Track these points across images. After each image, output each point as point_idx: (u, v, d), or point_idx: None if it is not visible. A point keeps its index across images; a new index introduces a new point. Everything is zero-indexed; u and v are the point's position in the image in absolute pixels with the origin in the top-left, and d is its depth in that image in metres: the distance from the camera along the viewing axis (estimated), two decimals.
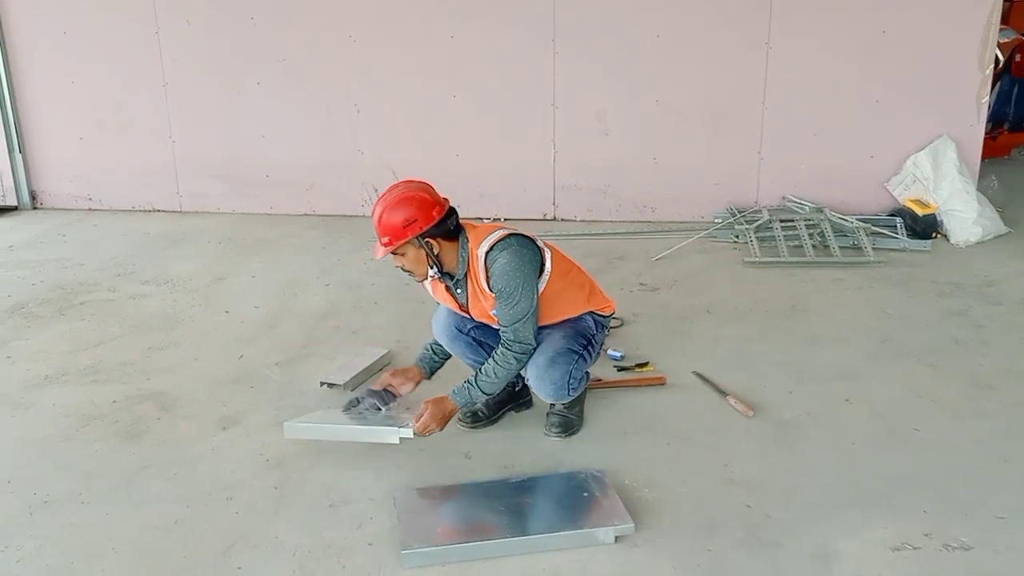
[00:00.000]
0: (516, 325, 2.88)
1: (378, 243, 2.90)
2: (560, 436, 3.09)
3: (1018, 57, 7.61)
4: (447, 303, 3.10)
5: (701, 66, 5.61)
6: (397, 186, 2.93)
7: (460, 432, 3.12)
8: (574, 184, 5.89)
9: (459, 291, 3.00)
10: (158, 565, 2.46)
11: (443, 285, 3.02)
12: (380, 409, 3.03)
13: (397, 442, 2.87)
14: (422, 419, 2.87)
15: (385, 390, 3.09)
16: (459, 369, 3.18)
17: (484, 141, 5.88)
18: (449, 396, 2.93)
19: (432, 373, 3.21)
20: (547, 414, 3.12)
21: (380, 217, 2.86)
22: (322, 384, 3.48)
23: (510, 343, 2.90)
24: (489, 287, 2.87)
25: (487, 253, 2.86)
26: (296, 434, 3.01)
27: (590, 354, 3.07)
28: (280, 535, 2.57)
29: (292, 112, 5.97)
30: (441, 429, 2.92)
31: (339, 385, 3.44)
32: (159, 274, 4.90)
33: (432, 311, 3.23)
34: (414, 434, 2.85)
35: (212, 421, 3.26)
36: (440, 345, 3.18)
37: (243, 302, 4.47)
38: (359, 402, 3.08)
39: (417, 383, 3.15)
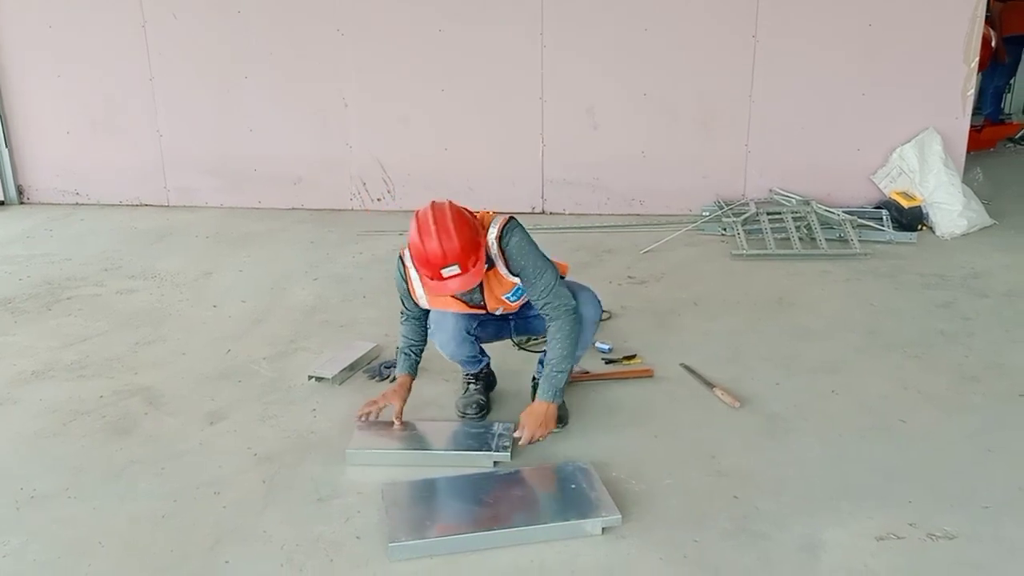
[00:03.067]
0: (552, 293, 2.86)
1: (460, 276, 2.70)
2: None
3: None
4: (453, 307, 3.02)
5: (689, 60, 5.62)
6: (426, 215, 2.73)
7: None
8: (563, 178, 5.89)
9: (474, 292, 2.93)
10: (146, 560, 2.45)
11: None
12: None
13: (492, 466, 2.79)
14: (525, 432, 2.85)
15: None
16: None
17: (472, 135, 5.88)
18: (542, 399, 2.90)
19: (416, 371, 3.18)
20: None
21: (457, 242, 2.67)
22: (310, 378, 3.48)
23: (558, 310, 2.87)
24: (509, 270, 2.87)
25: (499, 239, 2.83)
26: (361, 461, 2.88)
27: None
28: (268, 529, 2.57)
29: (280, 106, 5.95)
30: (546, 434, 2.90)
31: (327, 379, 3.44)
32: (146, 269, 4.88)
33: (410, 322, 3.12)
34: (518, 444, 2.85)
35: (199, 416, 3.25)
36: (415, 343, 3.11)
37: (231, 297, 4.46)
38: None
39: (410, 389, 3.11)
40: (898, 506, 2.65)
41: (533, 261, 2.86)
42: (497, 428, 3.01)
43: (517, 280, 2.89)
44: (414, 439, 3.01)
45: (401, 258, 2.97)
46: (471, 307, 3.02)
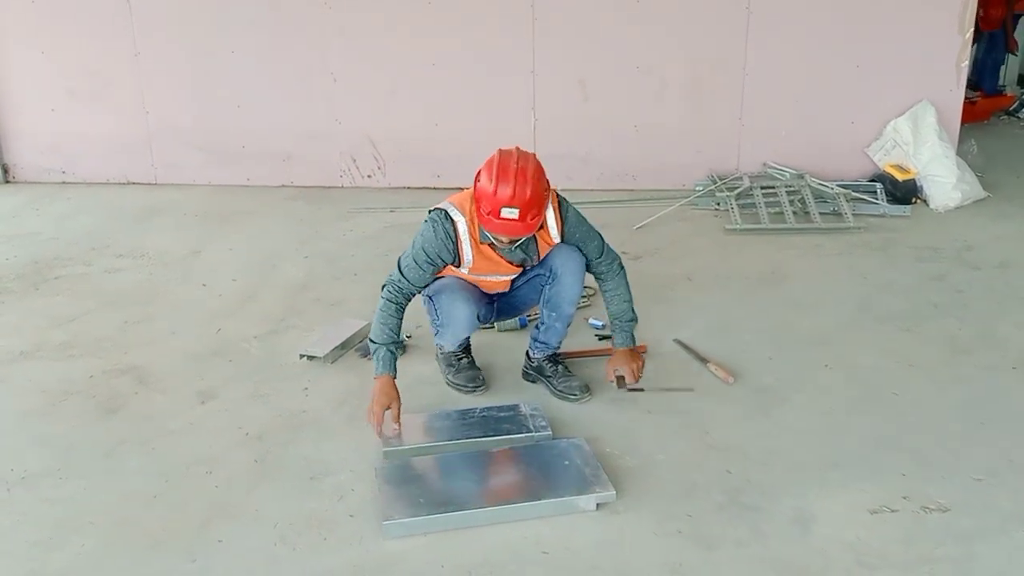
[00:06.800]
0: (606, 251, 3.10)
1: (514, 223, 2.75)
2: (588, 394, 3.14)
3: (981, 12, 7.61)
4: (489, 269, 2.99)
5: (682, 31, 5.56)
6: (510, 157, 2.79)
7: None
8: (555, 152, 5.79)
9: (516, 249, 2.95)
10: (137, 539, 2.44)
11: (490, 251, 2.94)
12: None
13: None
14: (626, 370, 3.07)
15: None
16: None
17: (463, 108, 5.81)
18: (625, 346, 3.10)
19: None
20: (559, 379, 3.16)
21: (529, 193, 2.72)
22: (302, 356, 3.45)
23: (612, 266, 3.11)
24: (563, 234, 2.99)
25: (559, 204, 2.97)
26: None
27: None
28: (260, 507, 2.56)
29: (268, 81, 5.87)
30: (641, 365, 3.14)
31: (319, 357, 3.42)
32: (134, 247, 4.83)
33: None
34: (625, 383, 3.07)
35: (190, 395, 3.23)
36: (396, 337, 2.88)
37: (220, 275, 4.43)
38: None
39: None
40: (891, 479, 2.65)
41: (588, 225, 3.08)
42: (524, 408, 2.98)
43: (556, 241, 2.99)
44: (445, 432, 2.89)
45: (447, 213, 2.90)
46: (511, 266, 3.01)
